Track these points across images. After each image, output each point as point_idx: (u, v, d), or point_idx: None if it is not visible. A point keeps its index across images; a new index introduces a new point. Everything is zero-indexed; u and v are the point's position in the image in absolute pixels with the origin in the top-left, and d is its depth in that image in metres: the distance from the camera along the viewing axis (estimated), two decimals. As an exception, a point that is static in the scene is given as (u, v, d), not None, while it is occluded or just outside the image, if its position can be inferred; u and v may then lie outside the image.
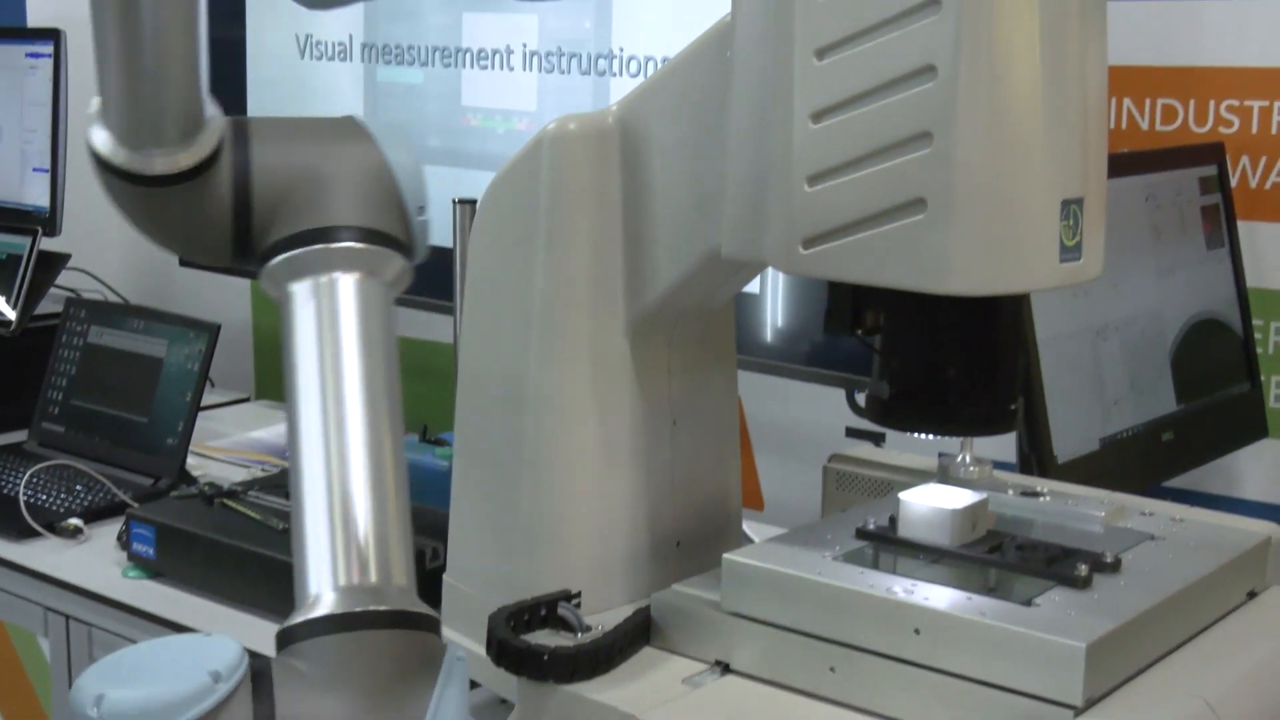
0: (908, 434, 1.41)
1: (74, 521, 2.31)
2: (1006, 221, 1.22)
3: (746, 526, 1.66)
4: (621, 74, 2.37)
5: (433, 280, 2.53)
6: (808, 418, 2.49)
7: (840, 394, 2.24)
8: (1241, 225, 2.26)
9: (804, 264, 1.28)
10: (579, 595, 1.46)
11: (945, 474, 1.53)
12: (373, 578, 1.02)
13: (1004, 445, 1.76)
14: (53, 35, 2.97)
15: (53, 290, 2.97)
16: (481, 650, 1.39)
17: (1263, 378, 2.29)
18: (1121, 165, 2.03)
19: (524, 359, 1.49)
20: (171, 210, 1.14)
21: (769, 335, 2.24)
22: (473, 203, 1.75)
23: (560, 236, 1.47)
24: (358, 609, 0.99)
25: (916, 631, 1.28)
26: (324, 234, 1.12)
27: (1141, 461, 2.06)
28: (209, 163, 1.13)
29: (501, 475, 1.52)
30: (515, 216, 1.50)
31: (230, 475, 2.47)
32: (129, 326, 2.65)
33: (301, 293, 1.10)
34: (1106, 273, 1.32)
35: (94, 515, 2.35)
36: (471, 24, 2.57)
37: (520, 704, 1.38)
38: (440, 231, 2.32)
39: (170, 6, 1.08)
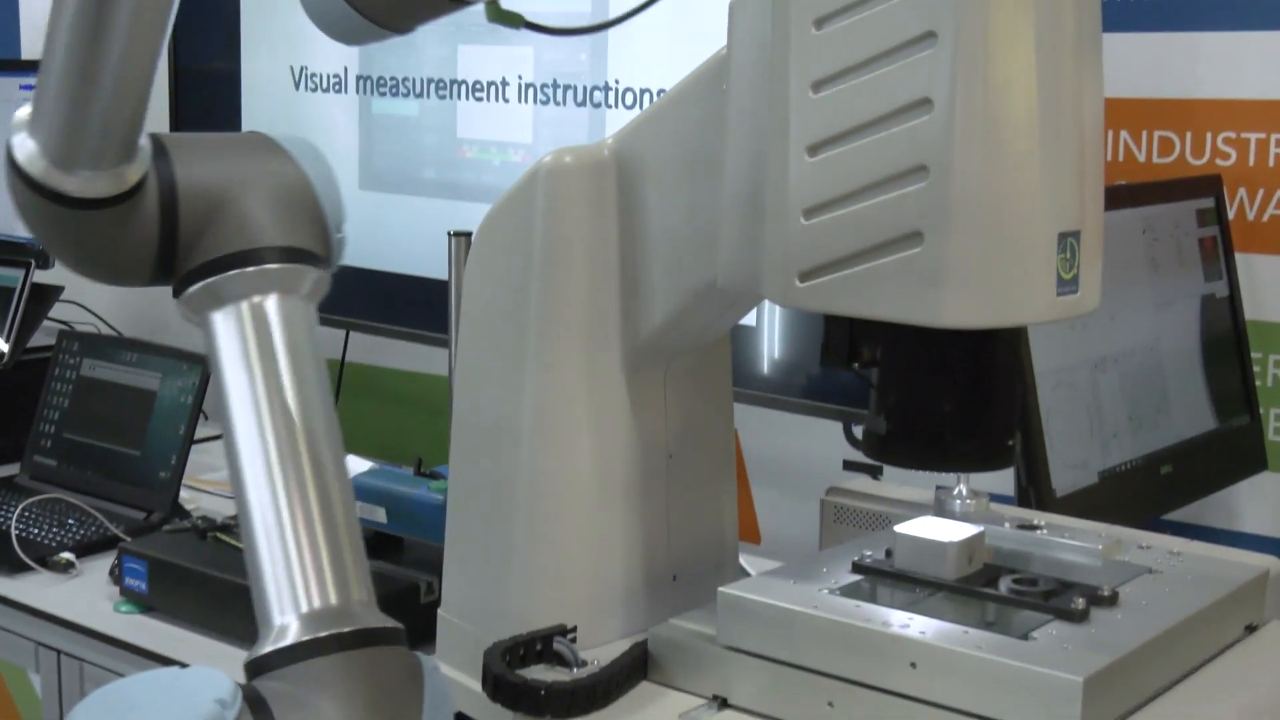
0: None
1: (66, 556, 2.29)
2: (1003, 254, 1.21)
3: (743, 560, 1.66)
4: (617, 106, 2.38)
5: (428, 313, 2.54)
6: (804, 451, 2.48)
7: (837, 426, 2.24)
8: (1239, 258, 2.26)
9: (800, 297, 1.28)
10: (574, 630, 1.45)
11: (941, 507, 1.52)
12: (333, 599, 1.02)
13: (1002, 478, 1.75)
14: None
15: (45, 323, 2.97)
16: (477, 685, 1.38)
17: (1262, 411, 2.28)
18: (1119, 198, 2.03)
19: (519, 392, 1.48)
20: (96, 232, 1.10)
21: (766, 368, 2.23)
22: (468, 235, 1.75)
23: (556, 269, 1.46)
24: (323, 633, 1.00)
25: (913, 665, 1.27)
26: (241, 258, 1.10)
27: (1140, 495, 2.06)
28: (140, 185, 1.10)
29: (497, 509, 1.51)
30: (511, 249, 1.50)
31: (224, 509, 2.46)
32: (122, 359, 2.64)
33: (223, 321, 1.10)
34: (1104, 305, 1.32)
35: (86, 549, 2.34)
36: (467, 56, 2.57)
37: (515, 740, 1.37)
38: (436, 264, 2.33)
39: (143, 33, 1.06)
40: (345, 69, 2.74)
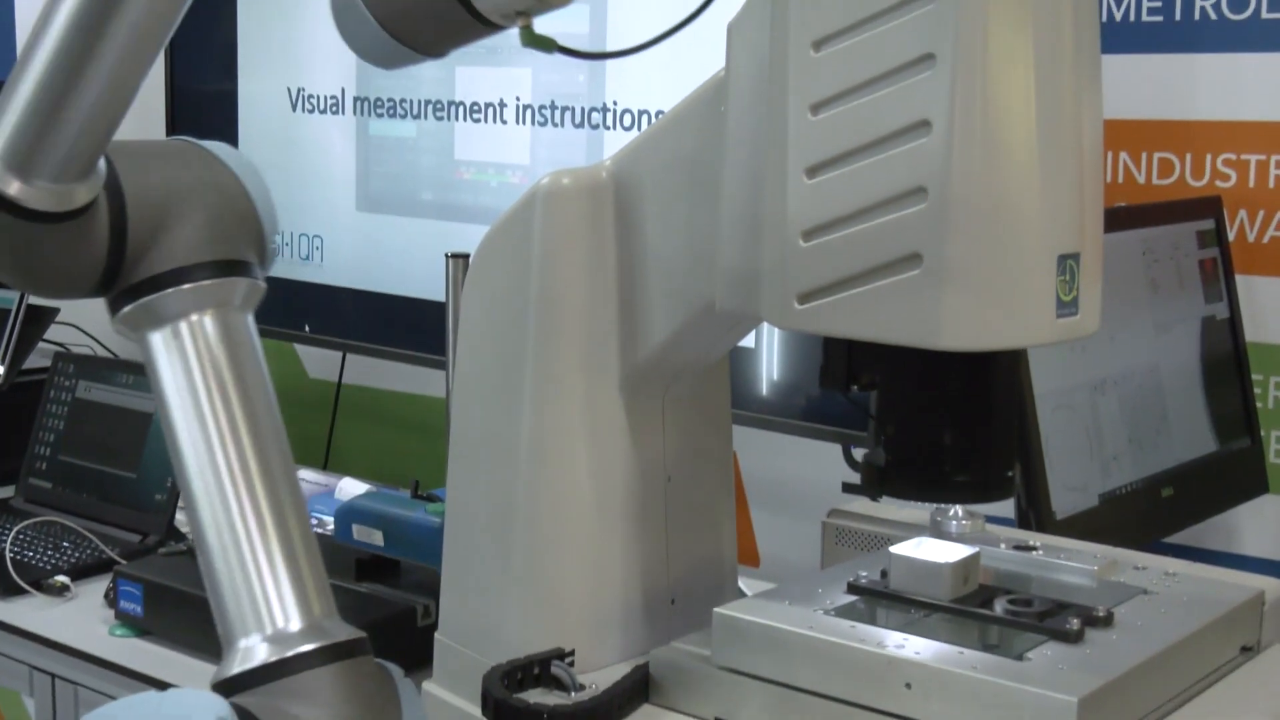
0: (905, 493, 1.40)
1: (61, 579, 2.29)
2: (1002, 276, 1.21)
3: (742, 583, 1.65)
4: (615, 127, 2.37)
5: (425, 334, 2.53)
6: (803, 473, 2.48)
7: (837, 449, 2.22)
8: (1240, 279, 2.26)
9: (799, 319, 1.27)
10: (573, 653, 1.44)
11: (937, 528, 1.52)
12: (295, 616, 1.04)
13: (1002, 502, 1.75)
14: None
15: (41, 345, 2.96)
16: (475, 709, 1.38)
17: (1263, 433, 2.28)
18: (1118, 219, 2.03)
19: (517, 414, 1.47)
20: (45, 246, 1.09)
21: (765, 390, 2.23)
22: (465, 257, 1.74)
23: (553, 291, 1.46)
24: (290, 653, 1.01)
25: (908, 686, 1.26)
26: (176, 275, 1.10)
27: (1141, 517, 2.05)
28: (93, 201, 1.09)
29: (494, 532, 1.50)
30: (508, 271, 1.49)
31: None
32: (117, 381, 2.63)
33: (163, 341, 1.10)
34: (1104, 327, 1.31)
35: (81, 572, 2.34)
36: (464, 77, 2.57)
37: (515, 764, 1.36)
38: (433, 285, 2.32)
39: (137, 55, 1.05)
40: (342, 90, 2.74)
